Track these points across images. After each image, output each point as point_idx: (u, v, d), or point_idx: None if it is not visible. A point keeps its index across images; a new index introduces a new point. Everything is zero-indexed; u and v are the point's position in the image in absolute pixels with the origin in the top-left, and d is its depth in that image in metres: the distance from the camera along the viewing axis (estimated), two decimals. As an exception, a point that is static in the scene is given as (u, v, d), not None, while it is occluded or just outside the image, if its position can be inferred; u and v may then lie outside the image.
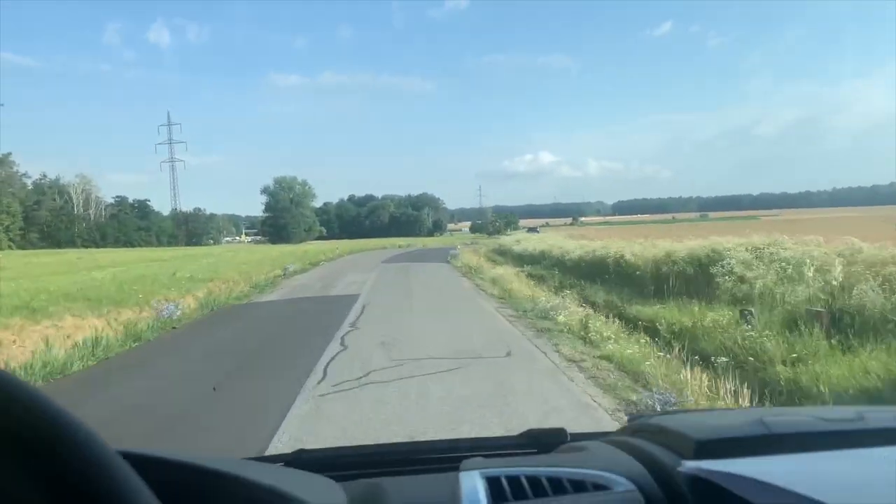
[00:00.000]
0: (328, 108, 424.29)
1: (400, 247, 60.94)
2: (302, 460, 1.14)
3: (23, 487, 0.39)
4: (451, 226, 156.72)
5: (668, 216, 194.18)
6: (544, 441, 1.20)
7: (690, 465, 0.82)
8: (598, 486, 0.83)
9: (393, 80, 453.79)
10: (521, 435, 1.25)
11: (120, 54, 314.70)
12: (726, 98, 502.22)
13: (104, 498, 0.40)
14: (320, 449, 1.28)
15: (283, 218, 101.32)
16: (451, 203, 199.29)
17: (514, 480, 0.85)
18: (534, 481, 0.84)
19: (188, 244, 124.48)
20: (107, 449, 0.42)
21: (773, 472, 0.76)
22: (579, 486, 0.83)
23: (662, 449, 0.90)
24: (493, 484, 0.84)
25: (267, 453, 4.00)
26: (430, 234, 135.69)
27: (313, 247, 63.17)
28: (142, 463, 0.48)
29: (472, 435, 4.87)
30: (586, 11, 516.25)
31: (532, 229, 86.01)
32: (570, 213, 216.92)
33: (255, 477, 0.66)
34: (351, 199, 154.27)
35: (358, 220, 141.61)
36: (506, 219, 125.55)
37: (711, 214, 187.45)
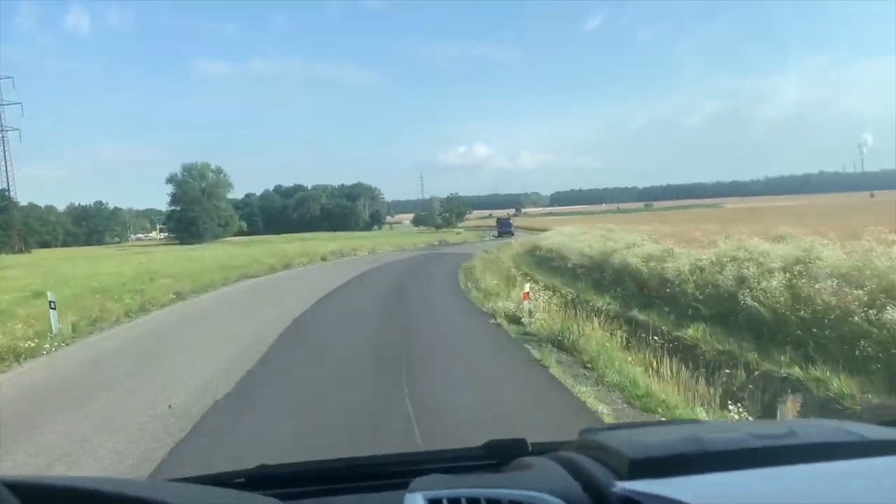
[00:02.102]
0: (259, 97, 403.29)
1: (354, 254, 38.87)
2: (260, 477, 1.14)
3: None
4: (389, 218, 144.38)
5: (613, 206, 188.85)
6: (504, 452, 1.21)
7: (623, 485, 0.84)
8: None
9: (328, 69, 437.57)
10: (483, 446, 1.24)
11: (34, 40, 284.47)
12: (655, 90, 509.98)
13: None
14: (281, 465, 1.26)
15: (192, 211, 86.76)
16: (389, 195, 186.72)
17: (454, 502, 0.87)
18: (473, 502, 0.86)
19: (88, 243, 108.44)
20: None
21: (704, 491, 0.78)
22: None
23: (601, 467, 0.92)
24: None
25: None
26: (368, 227, 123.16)
27: (212, 252, 43.32)
28: (37, 493, 0.46)
29: None
30: (522, 2, 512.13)
31: (504, 221, 74.59)
32: (509, 204, 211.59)
33: (187, 502, 0.66)
34: (277, 189, 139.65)
35: (285, 213, 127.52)
36: (457, 209, 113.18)
37: (656, 204, 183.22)
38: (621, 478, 0.86)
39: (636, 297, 13.89)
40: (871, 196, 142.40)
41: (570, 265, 19.92)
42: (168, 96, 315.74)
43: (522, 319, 12.16)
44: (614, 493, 0.83)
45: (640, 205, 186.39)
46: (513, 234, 61.22)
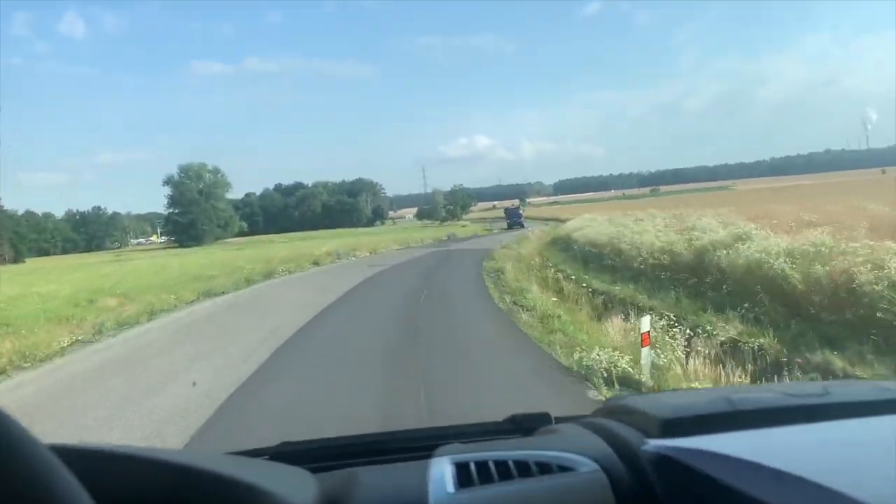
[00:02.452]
0: (257, 96, 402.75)
1: (353, 255, 32.07)
2: (285, 453, 1.15)
3: None
4: (392, 213, 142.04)
5: (618, 193, 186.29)
6: (527, 426, 1.21)
7: (655, 443, 0.84)
8: (564, 468, 0.84)
9: (325, 65, 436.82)
10: (506, 420, 1.25)
11: (31, 47, 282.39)
12: (655, 75, 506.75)
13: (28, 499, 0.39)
14: (305, 441, 1.26)
15: (190, 213, 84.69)
16: (391, 190, 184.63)
17: (482, 465, 0.86)
18: (501, 465, 0.86)
19: (88, 249, 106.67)
20: (36, 444, 0.41)
21: (738, 447, 0.78)
22: (545, 468, 0.85)
23: (630, 429, 0.91)
24: (461, 469, 0.86)
25: None
26: (370, 223, 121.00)
27: (193, 259, 36.39)
28: (84, 457, 0.48)
29: None
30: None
31: (513, 211, 69.24)
32: (512, 195, 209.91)
33: (221, 470, 0.67)
34: (277, 188, 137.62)
35: (286, 211, 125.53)
36: (462, 202, 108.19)
37: (662, 189, 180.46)
38: (652, 438, 0.85)
39: (790, 319, 8.74)
40: (883, 172, 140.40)
41: (638, 265, 14.42)
42: (166, 98, 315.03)
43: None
44: (645, 452, 0.82)
45: (646, 190, 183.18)
46: (524, 226, 57.22)
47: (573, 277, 15.78)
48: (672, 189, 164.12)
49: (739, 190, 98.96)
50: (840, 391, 1.01)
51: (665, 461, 0.80)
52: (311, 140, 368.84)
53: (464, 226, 75.19)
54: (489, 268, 20.49)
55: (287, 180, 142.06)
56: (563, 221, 41.72)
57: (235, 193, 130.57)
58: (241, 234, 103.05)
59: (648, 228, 17.68)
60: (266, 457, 1.14)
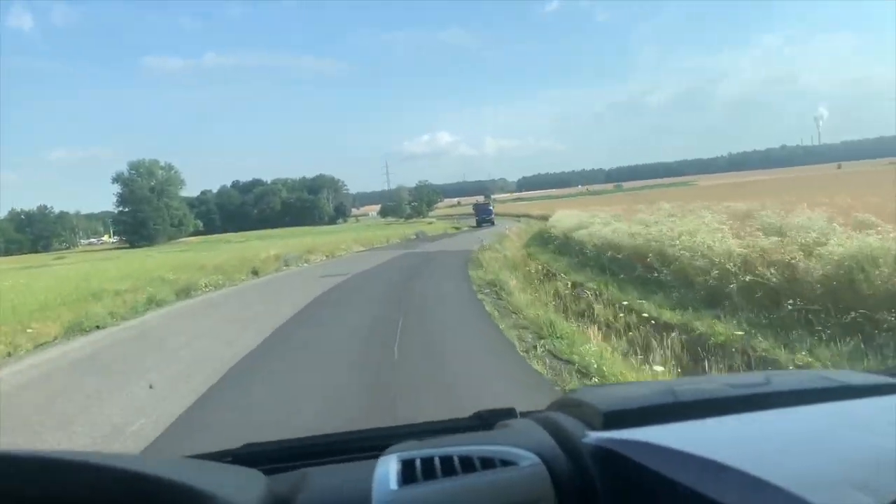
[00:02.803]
0: (216, 92, 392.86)
1: (307, 259, 25.57)
2: (247, 455, 1.16)
3: None
4: (355, 211, 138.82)
5: (582, 189, 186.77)
6: (492, 421, 1.20)
7: (595, 435, 0.85)
8: (506, 462, 0.85)
9: (286, 60, 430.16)
10: (471, 416, 1.26)
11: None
12: (616, 72, 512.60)
13: None
14: (267, 442, 1.26)
15: (141, 211, 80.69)
16: (354, 187, 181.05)
17: (427, 461, 0.87)
18: (446, 461, 0.86)
19: (33, 250, 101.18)
20: None
21: (678, 438, 0.79)
22: (488, 462, 0.85)
23: (575, 421, 0.93)
24: (406, 466, 0.87)
25: None
26: (332, 220, 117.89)
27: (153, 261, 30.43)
28: (26, 467, 0.47)
29: None
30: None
31: (482, 207, 61.68)
32: (476, 191, 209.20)
33: (169, 475, 0.67)
34: (235, 185, 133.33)
35: (244, 209, 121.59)
36: (427, 198, 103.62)
37: (625, 185, 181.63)
38: (594, 430, 0.87)
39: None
40: (839, 167, 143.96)
41: (711, 281, 9.65)
42: (122, 93, 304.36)
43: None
44: (586, 444, 0.84)
45: (610, 186, 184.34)
46: (494, 223, 53.32)
47: (602, 295, 11.66)
48: (636, 185, 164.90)
49: (702, 185, 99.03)
50: (781, 380, 1.02)
51: (605, 453, 0.81)
52: (272, 137, 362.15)
53: (430, 223, 72.19)
54: (480, 280, 15.36)
55: (246, 177, 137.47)
56: (538, 218, 40.18)
57: (191, 191, 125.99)
58: (197, 232, 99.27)
59: (700, 227, 12.58)
60: (229, 459, 1.13)
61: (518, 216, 66.78)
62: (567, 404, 1.05)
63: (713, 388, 0.99)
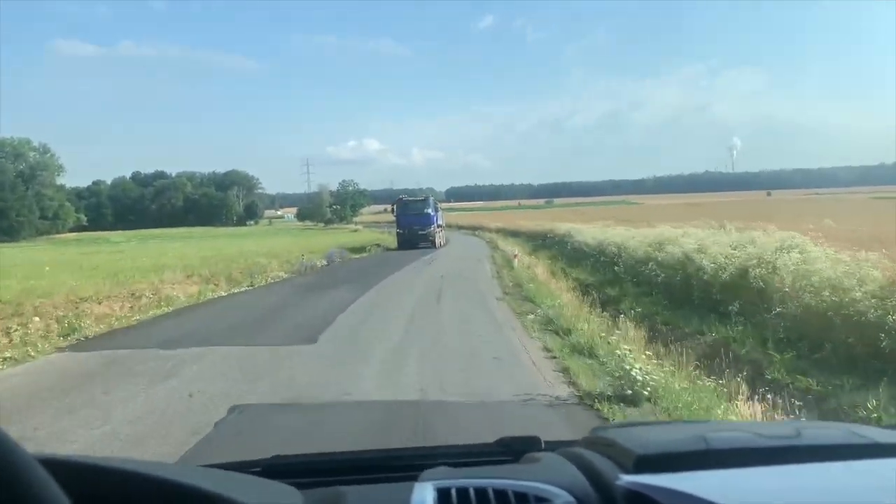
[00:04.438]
0: (131, 82, 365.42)
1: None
2: (276, 467, 1.16)
3: None
4: (269, 212, 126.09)
5: (514, 202, 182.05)
6: (516, 448, 1.22)
7: (628, 479, 0.85)
8: (541, 499, 0.86)
9: (210, 57, 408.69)
10: (496, 442, 1.26)
11: None
12: (544, 91, 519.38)
13: None
14: (296, 455, 1.28)
15: (4, 200, 66.51)
16: (275, 187, 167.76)
17: (462, 492, 0.88)
18: (481, 493, 0.88)
19: None
20: (23, 455, 0.41)
21: (709, 487, 0.79)
22: (522, 498, 0.87)
23: (607, 461, 0.94)
24: (442, 495, 0.87)
25: None
26: (242, 221, 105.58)
27: None
28: (70, 470, 0.48)
29: None
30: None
31: (412, 213, 33.31)
32: None
33: (207, 486, 0.67)
34: (135, 177, 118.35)
35: (142, 203, 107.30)
36: (352, 200, 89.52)
37: (556, 201, 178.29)
38: (627, 472, 0.87)
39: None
40: (769, 195, 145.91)
41: None
42: (23, 77, 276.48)
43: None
44: (618, 487, 0.84)
45: (541, 201, 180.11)
46: (436, 244, 32.49)
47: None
48: (568, 202, 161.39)
49: (649, 205, 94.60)
50: (812, 433, 1.02)
51: (637, 497, 0.81)
52: (189, 133, 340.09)
53: (355, 230, 61.29)
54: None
55: (148, 169, 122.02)
56: (512, 233, 36.31)
57: (81, 180, 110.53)
58: (80, 227, 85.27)
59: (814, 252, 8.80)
60: (257, 470, 1.13)
61: (472, 229, 56.50)
62: (597, 442, 1.05)
63: (743, 437, 0.98)
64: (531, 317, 10.41)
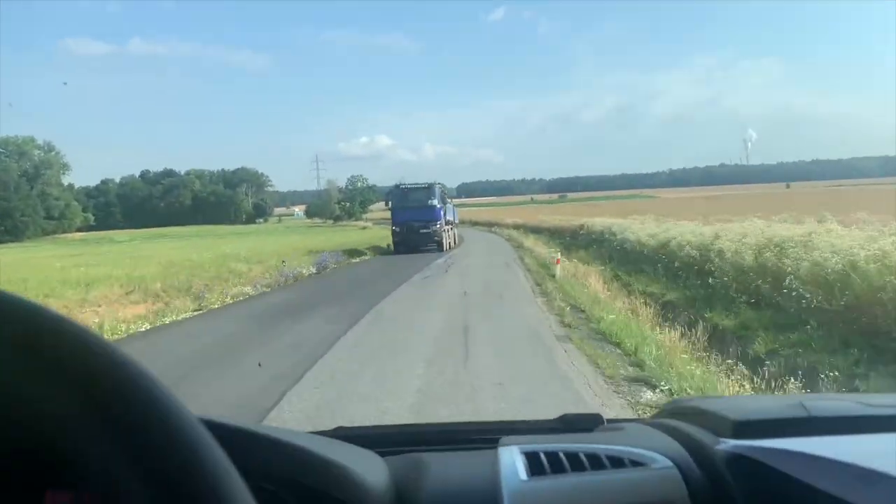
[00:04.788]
0: (143, 81, 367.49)
1: None
2: (340, 436, 1.09)
3: (116, 461, 0.39)
4: (279, 210, 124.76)
5: (527, 198, 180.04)
6: (579, 426, 1.18)
7: (730, 443, 0.83)
8: (636, 463, 0.84)
9: (220, 53, 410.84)
10: (557, 419, 1.23)
11: None
12: (555, 85, 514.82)
13: (192, 468, 0.40)
14: (358, 427, 1.28)
15: (6, 199, 65.49)
16: (287, 185, 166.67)
17: (552, 456, 0.86)
18: (572, 457, 0.85)
19: None
20: (192, 417, 0.43)
21: (815, 450, 0.77)
22: (617, 462, 0.84)
23: (700, 429, 0.91)
24: (531, 459, 0.85)
25: None
26: (251, 219, 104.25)
27: None
28: (223, 432, 0.51)
29: None
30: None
31: (413, 204, 25.39)
32: None
33: (305, 445, 0.69)
34: (144, 175, 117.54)
35: (150, 202, 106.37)
36: (361, 196, 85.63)
37: (570, 195, 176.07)
38: (725, 438, 0.85)
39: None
40: (787, 187, 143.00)
41: None
42: (35, 76, 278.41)
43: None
44: (719, 451, 0.82)
45: (555, 196, 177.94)
46: (443, 247, 25.32)
47: None
48: (581, 196, 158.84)
49: (666, 198, 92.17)
50: None
51: (740, 460, 0.80)
52: (200, 131, 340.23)
53: (364, 228, 58.83)
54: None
55: (158, 168, 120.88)
56: (533, 230, 32.66)
57: (92, 180, 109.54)
58: (88, 227, 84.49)
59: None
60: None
61: (487, 225, 52.53)
62: (681, 412, 1.01)
63: (846, 406, 0.95)
64: (648, 395, 5.55)
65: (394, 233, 25.40)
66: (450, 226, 27.23)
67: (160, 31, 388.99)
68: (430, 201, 24.86)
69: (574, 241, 26.52)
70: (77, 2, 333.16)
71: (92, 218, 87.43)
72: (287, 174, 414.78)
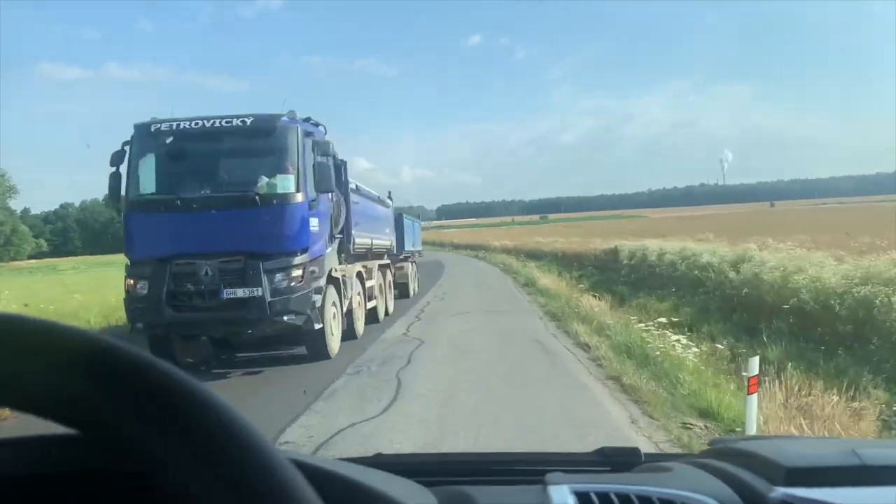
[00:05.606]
0: (116, 105, 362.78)
1: None
2: (381, 464, 1.07)
3: (209, 493, 0.39)
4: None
5: (508, 219, 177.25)
6: (617, 459, 1.19)
7: (783, 491, 0.80)
8: None
9: (198, 78, 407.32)
10: (596, 452, 1.24)
11: None
12: (532, 108, 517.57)
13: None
14: (397, 454, 1.29)
15: (-59, 224, 59.84)
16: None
17: (603, 497, 0.83)
18: (623, 498, 0.83)
19: None
20: (278, 452, 0.43)
21: (871, 502, 0.76)
22: None
23: (750, 474, 0.88)
24: (582, 499, 0.83)
25: None
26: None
27: None
28: (311, 472, 0.50)
29: None
30: (403, 16, 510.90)
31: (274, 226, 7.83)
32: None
33: (349, 475, 0.68)
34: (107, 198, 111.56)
35: (112, 226, 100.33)
36: None
37: (551, 216, 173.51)
38: (776, 485, 0.82)
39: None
40: (772, 206, 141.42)
41: None
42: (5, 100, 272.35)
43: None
44: (772, 499, 0.79)
45: (535, 217, 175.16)
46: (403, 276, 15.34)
47: None
48: (564, 216, 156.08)
49: (653, 218, 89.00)
50: None
51: None
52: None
53: None
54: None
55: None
56: (547, 257, 25.10)
57: (49, 204, 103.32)
58: (38, 254, 78.69)
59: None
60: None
61: (472, 249, 43.65)
62: (728, 453, 0.98)
63: None
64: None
65: (131, 293, 7.71)
66: (405, 261, 16.03)
67: (137, 55, 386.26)
68: (280, 181, 7.75)
69: (609, 275, 19.44)
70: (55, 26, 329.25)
71: (45, 244, 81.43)
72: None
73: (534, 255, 30.25)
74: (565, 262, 25.39)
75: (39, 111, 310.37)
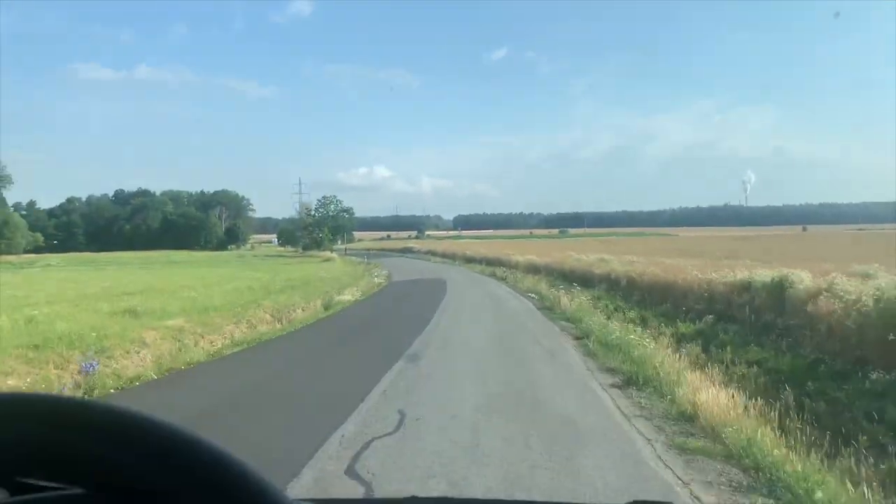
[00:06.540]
0: (151, 107, 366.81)
1: None
2: None
3: None
4: (255, 237, 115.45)
5: (525, 231, 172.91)
6: None
7: None
8: None
9: (228, 83, 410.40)
10: None
11: None
12: (554, 122, 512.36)
13: None
14: (430, 498, 1.23)
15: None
16: (277, 212, 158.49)
17: None
18: None
19: None
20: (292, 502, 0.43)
21: None
22: None
23: None
24: None
25: None
26: (222, 245, 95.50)
27: None
28: None
29: None
30: (429, 28, 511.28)
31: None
32: (410, 226, 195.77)
33: None
34: (118, 195, 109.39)
35: (116, 223, 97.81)
36: (333, 220, 74.01)
37: (571, 231, 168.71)
38: None
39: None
40: (804, 230, 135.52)
41: None
42: (39, 98, 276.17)
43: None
44: None
45: (554, 231, 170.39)
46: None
47: None
48: (584, 232, 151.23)
49: (687, 237, 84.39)
50: None
51: None
52: (207, 159, 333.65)
53: (327, 260, 48.31)
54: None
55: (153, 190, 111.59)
56: (569, 277, 20.36)
57: (57, 198, 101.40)
58: (36, 249, 75.86)
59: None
60: None
61: (488, 264, 37.20)
62: None
63: None
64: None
65: None
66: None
67: (169, 58, 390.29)
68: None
69: (748, 328, 12.23)
70: (90, 29, 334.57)
71: (41, 238, 78.60)
72: (279, 201, 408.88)
73: (570, 278, 23.58)
74: (636, 296, 18.47)
75: (75, 110, 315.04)
